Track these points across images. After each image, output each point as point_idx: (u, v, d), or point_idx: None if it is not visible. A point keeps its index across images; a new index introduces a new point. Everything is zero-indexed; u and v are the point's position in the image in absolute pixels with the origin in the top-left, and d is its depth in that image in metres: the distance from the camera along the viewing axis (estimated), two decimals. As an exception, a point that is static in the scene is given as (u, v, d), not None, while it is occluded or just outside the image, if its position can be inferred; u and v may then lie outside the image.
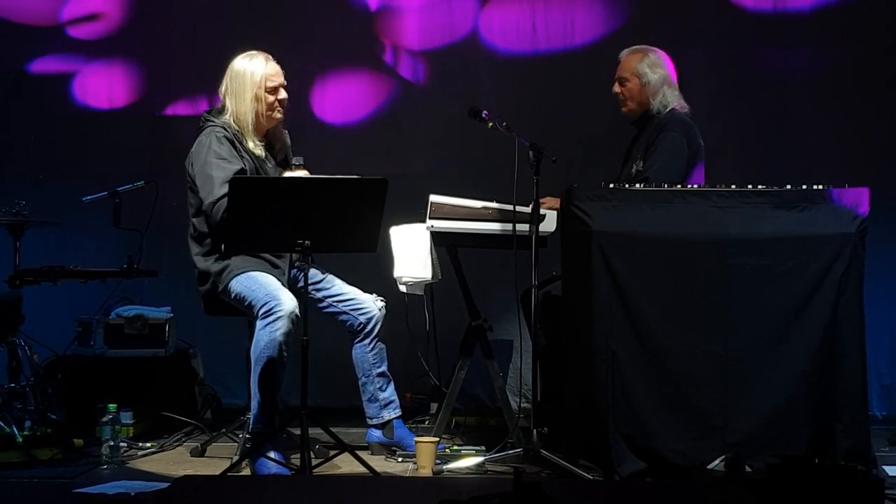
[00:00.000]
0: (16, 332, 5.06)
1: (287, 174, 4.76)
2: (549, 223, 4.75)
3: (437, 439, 4.72)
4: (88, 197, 5.44)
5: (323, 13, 6.46)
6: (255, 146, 4.79)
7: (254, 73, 4.78)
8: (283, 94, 4.83)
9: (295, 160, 4.85)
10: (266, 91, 4.78)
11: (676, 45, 6.32)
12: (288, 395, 4.85)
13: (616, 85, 5.19)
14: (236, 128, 4.77)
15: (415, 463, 4.65)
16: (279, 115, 4.85)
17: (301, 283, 4.42)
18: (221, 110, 4.83)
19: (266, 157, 4.86)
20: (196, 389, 5.75)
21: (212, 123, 4.78)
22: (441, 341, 5.39)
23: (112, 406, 4.81)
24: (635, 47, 5.21)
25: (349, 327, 4.93)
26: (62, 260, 5.50)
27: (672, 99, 5.08)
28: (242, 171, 4.65)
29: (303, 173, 4.69)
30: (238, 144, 4.75)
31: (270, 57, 4.86)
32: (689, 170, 4.94)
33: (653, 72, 5.09)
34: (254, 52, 4.85)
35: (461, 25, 6.46)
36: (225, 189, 4.46)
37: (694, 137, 5.00)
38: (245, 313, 4.72)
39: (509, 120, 4.84)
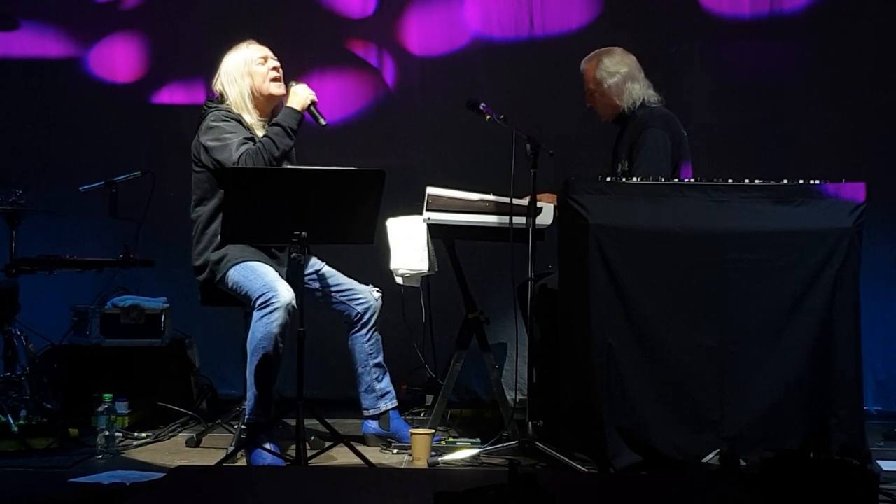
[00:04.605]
0: (12, 321, 5.06)
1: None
2: (546, 216, 4.75)
3: (432, 431, 4.72)
4: (85, 186, 5.45)
5: (322, 11, 6.46)
6: (257, 125, 4.81)
7: (240, 56, 4.86)
8: (274, 63, 4.87)
9: None
10: (256, 64, 4.84)
11: (672, 41, 6.34)
12: (284, 386, 4.84)
13: (587, 98, 5.17)
14: (237, 112, 4.80)
15: (410, 455, 4.66)
16: (277, 87, 4.84)
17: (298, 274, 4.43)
18: (220, 101, 4.87)
19: None
20: (192, 380, 5.74)
21: (215, 108, 4.83)
22: (437, 333, 5.40)
23: (108, 396, 4.81)
24: (590, 56, 5.15)
25: (346, 318, 4.94)
26: (58, 249, 5.51)
27: (639, 93, 5.02)
28: (251, 138, 4.69)
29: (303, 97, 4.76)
30: (243, 124, 4.79)
31: (253, 41, 4.92)
32: (676, 161, 4.93)
33: (610, 75, 5.04)
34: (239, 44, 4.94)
35: (459, 18, 6.47)
36: (244, 148, 4.58)
37: (675, 128, 4.97)
38: (242, 304, 4.72)
39: (507, 112, 4.83)
